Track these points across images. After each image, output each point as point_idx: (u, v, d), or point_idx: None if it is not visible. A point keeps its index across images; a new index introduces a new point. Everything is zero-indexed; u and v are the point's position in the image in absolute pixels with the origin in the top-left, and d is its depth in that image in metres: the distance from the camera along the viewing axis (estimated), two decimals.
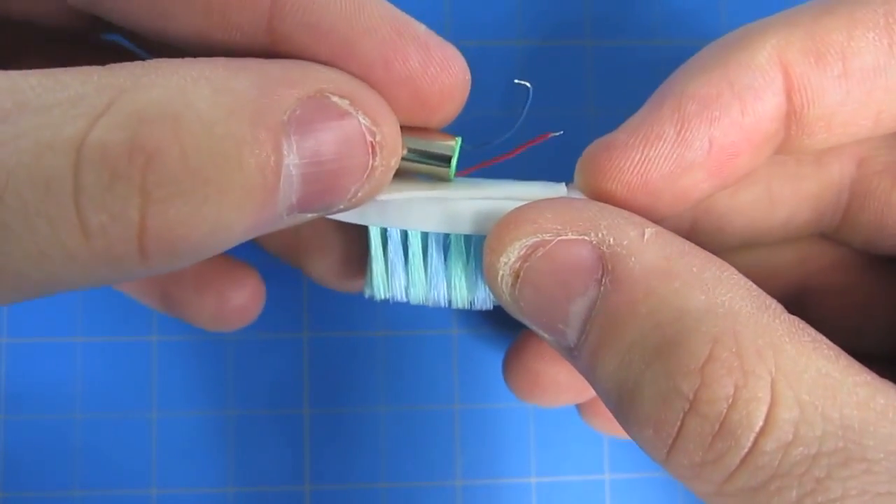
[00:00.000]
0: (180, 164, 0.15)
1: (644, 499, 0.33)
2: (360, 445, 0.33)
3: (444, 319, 0.34)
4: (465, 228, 0.21)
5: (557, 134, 0.23)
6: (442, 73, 0.19)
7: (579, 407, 0.31)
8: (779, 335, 0.16)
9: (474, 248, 0.22)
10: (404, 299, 0.23)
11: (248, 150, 0.16)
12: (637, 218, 0.19)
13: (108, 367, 0.33)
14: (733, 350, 0.16)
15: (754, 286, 0.18)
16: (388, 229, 0.22)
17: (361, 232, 0.23)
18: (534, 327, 0.20)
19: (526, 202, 0.20)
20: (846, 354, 0.17)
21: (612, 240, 0.18)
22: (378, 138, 0.18)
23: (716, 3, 0.35)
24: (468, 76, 0.20)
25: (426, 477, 0.33)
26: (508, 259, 0.19)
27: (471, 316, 0.34)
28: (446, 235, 0.22)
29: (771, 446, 0.16)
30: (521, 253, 0.19)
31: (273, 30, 0.18)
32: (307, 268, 0.29)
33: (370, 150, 0.18)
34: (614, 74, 0.34)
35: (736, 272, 0.18)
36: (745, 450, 0.16)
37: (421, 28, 0.19)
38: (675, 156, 0.19)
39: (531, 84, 0.23)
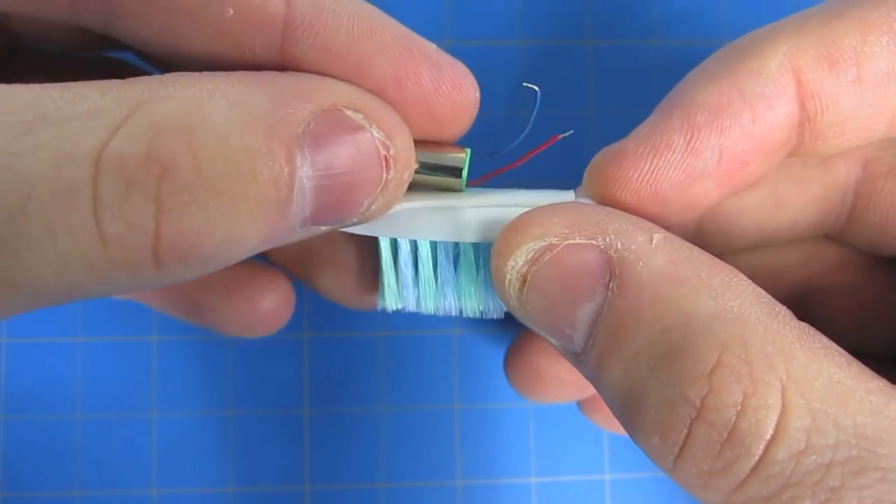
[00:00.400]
0: (194, 175, 0.16)
1: (644, 499, 0.33)
2: (360, 445, 0.33)
3: (445, 320, 0.34)
4: (474, 236, 0.21)
5: (567, 135, 0.23)
6: (453, 92, 0.19)
7: (580, 402, 0.31)
8: (789, 342, 0.16)
9: (483, 256, 0.22)
10: (416, 310, 0.23)
11: (261, 162, 0.16)
12: (645, 223, 0.19)
13: (108, 367, 0.33)
14: (742, 356, 0.16)
15: (763, 292, 0.18)
16: (399, 240, 0.22)
17: (373, 246, 0.23)
18: (540, 332, 0.19)
19: (532, 207, 0.20)
20: (858, 361, 0.17)
21: (619, 244, 0.18)
22: (392, 152, 0.18)
23: (716, 3, 0.35)
24: (478, 93, 0.20)
25: (426, 477, 0.33)
26: (516, 263, 0.19)
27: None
28: (456, 245, 0.22)
29: (782, 455, 0.15)
30: (529, 257, 0.19)
31: (285, 52, 0.18)
32: (316, 282, 0.28)
33: (384, 164, 0.18)
34: (614, 74, 0.34)
35: (745, 278, 0.18)
36: (756, 458, 0.15)
37: (432, 47, 0.19)
38: (684, 165, 0.19)
39: (530, 83, 0.23)
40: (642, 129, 0.20)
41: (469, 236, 0.21)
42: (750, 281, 0.18)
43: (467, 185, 0.22)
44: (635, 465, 0.33)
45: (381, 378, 0.33)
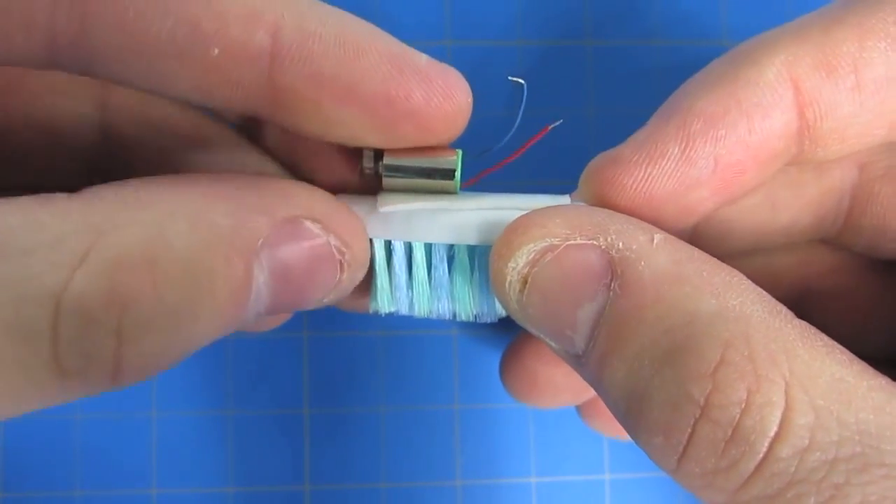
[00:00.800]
0: (155, 306, 0.16)
1: (644, 499, 0.33)
2: (360, 445, 0.33)
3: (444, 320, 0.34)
4: (470, 239, 0.21)
5: (557, 123, 0.23)
6: (445, 103, 0.19)
7: (579, 408, 0.31)
8: (791, 340, 0.16)
9: (479, 259, 0.22)
10: (409, 313, 0.23)
11: (221, 280, 0.17)
12: (645, 224, 0.19)
13: None
14: (745, 354, 0.16)
15: (764, 292, 0.18)
16: (392, 242, 0.22)
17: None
18: (540, 335, 0.19)
19: (528, 210, 0.19)
20: (859, 359, 0.17)
21: (621, 244, 0.18)
22: (347, 257, 0.20)
23: (716, 3, 0.35)
24: (470, 99, 0.20)
25: (426, 477, 0.33)
26: (517, 264, 0.19)
27: None
28: (450, 247, 0.22)
29: (787, 452, 0.15)
30: (530, 258, 0.18)
31: (274, 83, 0.18)
32: None
33: (339, 268, 0.20)
34: (614, 74, 0.34)
35: (745, 278, 0.18)
36: (760, 456, 0.15)
37: (422, 60, 0.19)
38: (679, 174, 0.19)
39: (531, 83, 0.23)
40: (638, 136, 0.20)
41: (465, 239, 0.21)
42: (750, 281, 0.18)
43: (462, 187, 0.22)
44: (635, 465, 0.33)
45: (381, 378, 0.33)
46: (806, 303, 0.25)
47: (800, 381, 0.16)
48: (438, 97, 0.19)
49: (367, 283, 0.23)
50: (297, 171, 0.24)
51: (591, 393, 0.29)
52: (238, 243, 0.18)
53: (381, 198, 0.21)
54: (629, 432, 0.18)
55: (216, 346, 0.33)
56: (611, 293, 0.18)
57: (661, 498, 0.33)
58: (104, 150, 0.24)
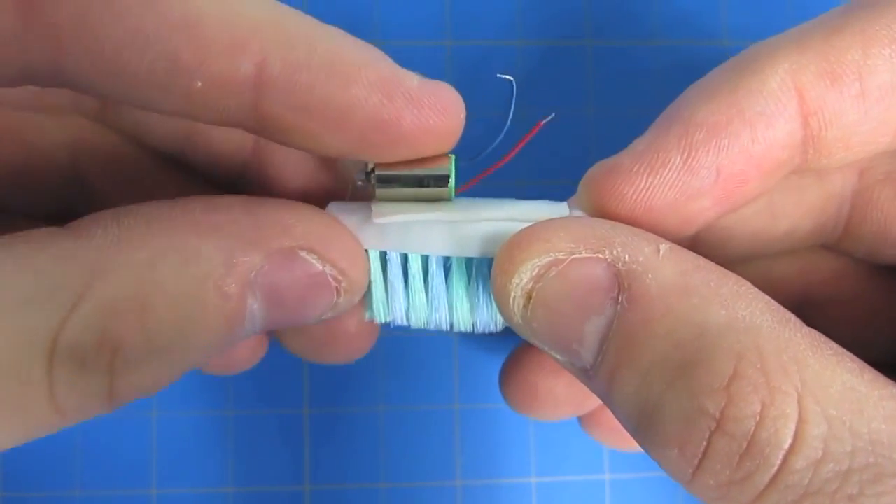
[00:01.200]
0: (146, 346, 0.17)
1: (644, 499, 0.33)
2: (360, 445, 0.33)
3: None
4: (469, 251, 0.21)
5: (549, 119, 0.22)
6: (438, 124, 0.19)
7: (581, 419, 0.30)
8: (802, 349, 0.16)
9: (476, 270, 0.22)
10: (405, 323, 0.22)
11: (213, 313, 0.18)
12: (649, 234, 0.19)
13: None
14: (758, 366, 0.16)
15: (772, 300, 0.17)
16: (388, 252, 0.21)
17: None
18: (545, 348, 0.19)
19: (531, 222, 0.19)
20: (870, 367, 0.17)
21: (627, 257, 0.18)
22: (344, 284, 0.20)
23: (716, 3, 0.35)
24: (463, 114, 0.19)
25: (426, 477, 0.33)
26: (521, 280, 0.18)
27: None
28: (448, 258, 0.22)
29: (801, 464, 0.15)
30: (534, 273, 0.18)
31: (259, 112, 0.18)
32: None
33: (335, 293, 0.20)
34: (614, 74, 0.34)
35: (752, 286, 0.18)
36: (775, 468, 0.15)
37: (413, 82, 0.18)
38: (680, 183, 0.19)
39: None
40: (638, 145, 0.20)
41: (464, 251, 0.21)
42: (757, 289, 0.18)
43: (457, 192, 0.21)
44: (635, 465, 0.33)
45: (381, 378, 0.33)
46: (808, 309, 0.25)
47: (812, 391, 0.16)
48: (430, 119, 0.18)
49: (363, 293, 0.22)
50: (288, 182, 0.23)
51: (592, 405, 0.29)
52: (231, 277, 0.18)
53: (376, 207, 0.21)
54: (641, 444, 0.17)
55: None
56: (618, 307, 0.17)
57: (661, 498, 0.33)
58: (76, 191, 0.24)
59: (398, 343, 0.34)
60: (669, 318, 0.17)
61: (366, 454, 0.33)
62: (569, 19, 0.35)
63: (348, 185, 0.23)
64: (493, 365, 0.33)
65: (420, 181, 0.20)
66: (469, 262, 0.22)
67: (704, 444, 0.16)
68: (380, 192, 0.21)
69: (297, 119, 0.18)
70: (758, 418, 0.15)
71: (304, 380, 0.33)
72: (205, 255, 0.18)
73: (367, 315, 0.23)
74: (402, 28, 0.34)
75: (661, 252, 0.18)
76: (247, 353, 0.28)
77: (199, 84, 0.17)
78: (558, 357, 0.19)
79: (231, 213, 0.19)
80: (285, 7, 0.18)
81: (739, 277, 0.18)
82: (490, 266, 0.20)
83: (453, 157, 0.20)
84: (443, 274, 0.22)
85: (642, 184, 0.19)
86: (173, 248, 0.17)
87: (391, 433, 0.33)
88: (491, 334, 0.23)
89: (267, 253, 0.18)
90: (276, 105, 0.17)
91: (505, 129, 0.22)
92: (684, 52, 0.35)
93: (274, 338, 0.28)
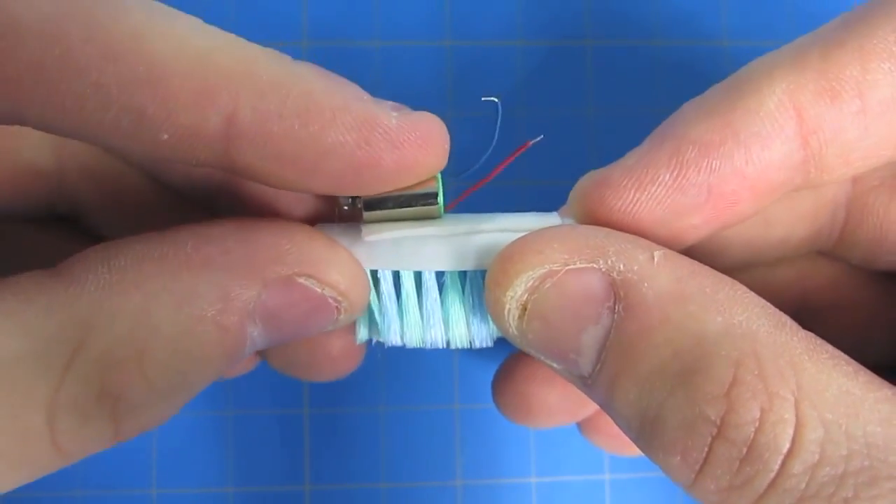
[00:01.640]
0: (147, 392, 0.17)
1: (644, 499, 0.33)
2: (360, 445, 0.33)
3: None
4: (463, 265, 0.20)
5: (538, 140, 0.22)
6: (419, 161, 0.18)
7: (580, 424, 0.30)
8: (798, 353, 0.16)
9: (472, 284, 0.21)
10: (400, 343, 0.22)
11: (213, 347, 0.18)
12: (644, 241, 0.18)
13: None
14: (756, 373, 0.16)
15: (767, 303, 0.17)
16: (380, 270, 0.21)
17: None
18: (542, 358, 0.19)
19: (523, 233, 0.19)
20: (865, 370, 0.17)
21: (621, 266, 0.17)
22: (344, 304, 0.20)
23: (716, 3, 0.35)
24: (446, 144, 0.19)
25: (426, 477, 0.33)
26: (515, 293, 0.18)
27: None
28: (441, 273, 0.21)
29: (798, 468, 0.15)
30: (529, 285, 0.18)
31: (231, 160, 0.17)
32: None
33: (335, 312, 0.20)
34: (614, 74, 0.34)
35: (748, 290, 0.18)
36: (773, 473, 0.16)
37: (391, 121, 0.18)
38: (669, 200, 0.19)
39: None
40: (629, 159, 0.20)
41: (459, 264, 0.20)
42: (753, 293, 0.18)
43: (447, 209, 0.21)
44: (635, 465, 0.33)
45: (381, 378, 0.33)
46: (805, 315, 0.24)
47: (808, 395, 0.16)
48: (410, 157, 0.18)
49: None
50: (271, 207, 0.23)
51: (586, 413, 0.29)
52: (228, 311, 0.18)
53: (366, 226, 0.20)
54: (643, 450, 0.18)
55: None
56: (615, 316, 0.17)
57: (661, 498, 0.33)
58: (62, 197, 0.24)
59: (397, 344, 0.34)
60: (667, 327, 0.17)
61: (366, 454, 0.33)
62: (569, 19, 0.35)
63: (334, 207, 0.22)
64: (493, 365, 0.33)
65: (408, 201, 0.20)
66: (463, 276, 0.21)
67: (706, 450, 0.16)
68: (367, 214, 0.20)
69: (269, 166, 0.17)
70: (757, 424, 0.16)
71: (303, 380, 0.33)
72: (201, 292, 0.17)
73: (359, 337, 0.22)
74: (402, 28, 0.34)
75: (656, 259, 0.18)
76: (244, 362, 0.28)
77: (166, 136, 0.16)
78: (555, 366, 0.19)
79: (224, 243, 0.18)
80: (256, 49, 0.17)
81: (734, 281, 0.18)
82: (485, 278, 0.20)
83: (439, 175, 0.20)
84: (437, 290, 0.21)
85: (630, 198, 0.19)
86: (167, 290, 0.17)
87: (391, 433, 0.33)
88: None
89: (264, 283, 0.18)
90: (248, 154, 0.17)
91: (490, 149, 0.22)
92: (684, 52, 0.35)
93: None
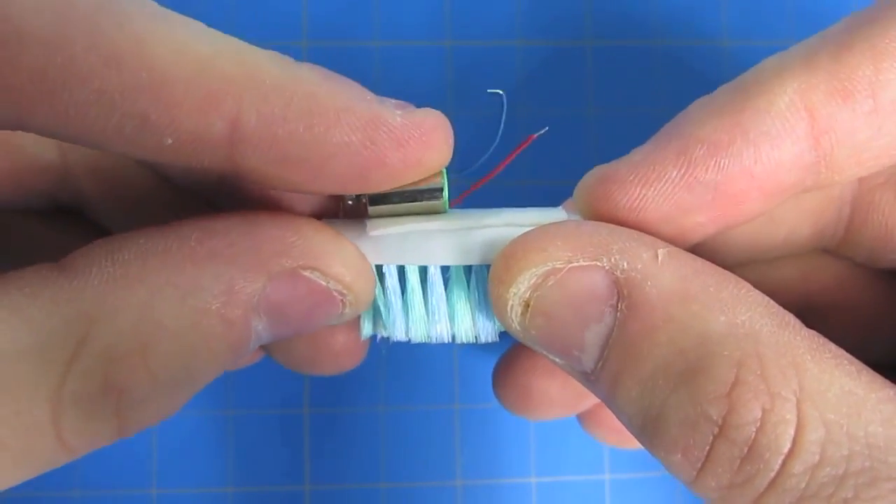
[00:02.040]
0: (151, 386, 0.17)
1: (644, 499, 0.33)
2: (360, 445, 0.33)
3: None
4: (469, 259, 0.20)
5: (542, 132, 0.22)
6: (424, 159, 0.18)
7: (581, 417, 0.30)
8: (801, 353, 0.16)
9: (476, 278, 0.21)
10: (405, 338, 0.22)
11: (217, 341, 0.18)
12: (648, 238, 0.18)
13: None
14: (758, 373, 0.16)
15: (771, 302, 0.17)
16: (385, 266, 0.21)
17: None
18: (544, 353, 0.19)
19: (528, 227, 0.19)
20: (868, 369, 0.17)
21: (625, 264, 0.17)
22: (349, 298, 0.20)
23: (716, 3, 0.35)
24: (450, 142, 0.19)
25: (426, 477, 0.33)
26: (518, 289, 0.18)
27: None
28: (446, 268, 0.21)
29: (798, 468, 0.16)
30: (532, 282, 0.18)
31: (236, 165, 0.17)
32: None
33: (340, 305, 0.20)
34: (614, 74, 0.34)
35: (751, 288, 0.18)
36: (774, 472, 0.16)
37: (395, 120, 0.18)
38: (675, 198, 0.19)
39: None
40: (636, 156, 0.20)
41: (464, 259, 0.21)
42: (757, 291, 0.18)
43: (451, 204, 0.21)
44: (635, 465, 0.33)
45: (381, 378, 0.33)
46: (808, 314, 0.24)
47: (810, 396, 0.16)
48: (415, 155, 0.18)
49: None
50: (275, 201, 0.23)
51: (587, 405, 0.29)
52: (232, 305, 0.18)
53: (371, 221, 0.20)
54: (645, 446, 0.18)
55: None
56: (618, 314, 0.17)
57: (661, 498, 0.33)
58: (66, 189, 0.24)
59: (398, 343, 0.34)
60: (671, 327, 0.17)
61: (366, 454, 0.33)
62: (569, 19, 0.35)
63: (339, 203, 0.22)
64: (492, 365, 0.33)
65: (413, 197, 0.20)
66: (468, 270, 0.21)
67: (707, 448, 0.16)
68: (372, 210, 0.20)
69: (274, 170, 0.17)
70: (758, 424, 0.16)
71: (304, 380, 0.33)
72: (204, 285, 0.17)
73: (364, 333, 0.22)
74: (402, 28, 0.34)
75: (660, 257, 0.18)
76: (249, 355, 0.27)
77: (170, 141, 0.16)
78: (558, 361, 0.19)
79: (228, 236, 0.18)
80: (258, 53, 0.17)
81: (739, 279, 0.18)
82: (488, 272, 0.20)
83: (444, 170, 0.20)
84: (442, 285, 0.21)
85: (636, 194, 0.19)
86: (171, 283, 0.17)
87: (391, 433, 0.33)
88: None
89: (269, 276, 0.18)
90: (252, 159, 0.17)
91: (495, 143, 0.22)
92: (684, 52, 0.35)
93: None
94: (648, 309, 0.17)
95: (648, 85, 0.34)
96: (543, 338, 0.19)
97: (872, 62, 0.18)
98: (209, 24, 0.17)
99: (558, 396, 0.27)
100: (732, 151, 0.18)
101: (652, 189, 0.19)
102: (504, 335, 0.21)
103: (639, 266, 0.17)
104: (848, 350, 0.17)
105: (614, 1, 0.35)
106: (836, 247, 0.24)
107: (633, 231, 0.19)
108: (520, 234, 0.19)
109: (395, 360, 0.34)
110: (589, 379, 0.19)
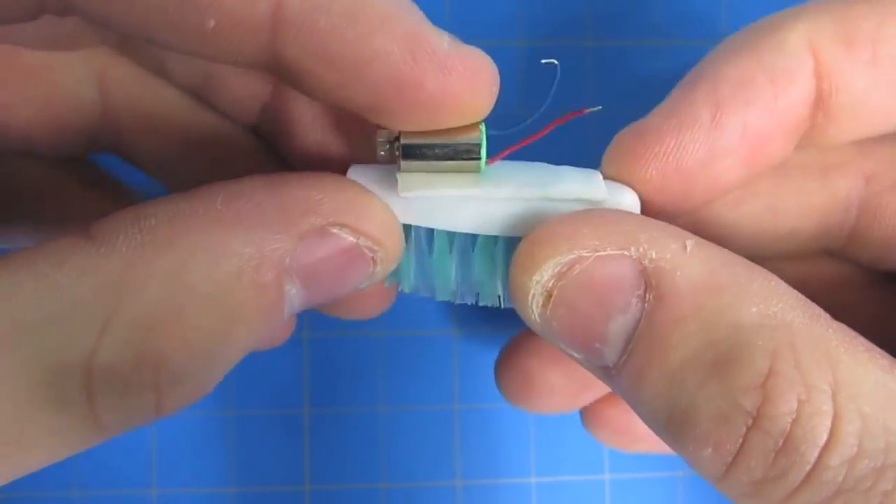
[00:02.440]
0: (189, 356, 0.16)
1: (644, 499, 0.33)
2: (360, 445, 0.33)
3: (444, 319, 0.34)
4: (498, 230, 0.20)
5: (596, 109, 0.22)
6: (464, 94, 0.18)
7: (584, 419, 0.30)
8: (834, 345, 0.16)
9: (503, 245, 0.21)
10: (430, 295, 0.22)
11: (252, 306, 0.17)
12: (675, 229, 0.18)
13: None
14: (793, 364, 0.16)
15: (801, 295, 0.17)
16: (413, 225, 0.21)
17: None
18: (563, 346, 0.19)
19: (564, 201, 0.19)
20: None
21: (653, 253, 0.17)
22: (380, 254, 0.19)
23: (716, 3, 0.35)
24: (496, 84, 0.18)
25: (426, 477, 0.33)
26: (542, 277, 0.18)
27: (471, 316, 0.34)
28: (475, 234, 0.21)
29: (836, 461, 0.15)
30: (556, 271, 0.18)
31: (276, 54, 0.17)
32: None
33: (371, 264, 0.19)
34: (614, 74, 0.34)
35: (780, 280, 0.17)
36: (810, 465, 0.15)
37: (443, 43, 0.17)
38: (709, 141, 0.19)
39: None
40: (666, 105, 0.20)
41: (493, 229, 0.20)
42: (786, 283, 0.17)
43: (488, 162, 0.20)
44: (635, 465, 0.33)
45: (380, 378, 0.33)
46: None
47: (845, 387, 0.16)
48: (455, 87, 0.17)
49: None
50: (305, 133, 0.23)
51: (589, 398, 0.28)
52: (264, 267, 0.17)
53: (402, 179, 0.20)
54: (669, 443, 0.17)
55: None
56: (646, 304, 0.17)
57: (661, 498, 0.33)
58: (105, 128, 0.23)
59: (398, 343, 0.34)
60: (701, 317, 0.16)
61: (366, 454, 0.33)
62: (569, 19, 0.35)
63: (368, 144, 0.21)
64: (492, 365, 0.33)
65: (448, 154, 0.19)
66: (496, 237, 0.21)
67: (740, 441, 0.16)
68: (404, 163, 0.20)
69: (312, 65, 0.17)
70: (794, 415, 0.15)
71: (304, 380, 0.33)
72: (235, 248, 0.17)
73: (389, 280, 0.22)
74: None
75: (689, 248, 0.17)
76: (282, 328, 0.27)
77: (213, 23, 0.16)
78: (576, 355, 0.19)
79: (254, 197, 0.18)
80: None
81: (767, 272, 0.17)
82: (517, 242, 0.19)
83: (483, 127, 0.19)
84: (470, 247, 0.21)
85: (673, 142, 0.19)
86: (201, 247, 0.17)
87: (391, 433, 0.33)
88: (492, 325, 0.22)
89: (298, 235, 0.18)
90: (292, 48, 0.17)
91: (543, 107, 0.21)
92: (684, 52, 0.35)
93: None
94: (678, 299, 0.17)
95: (648, 85, 0.34)
96: (565, 330, 0.18)
97: (878, 16, 0.19)
98: None
99: (560, 385, 0.27)
100: (756, 86, 0.19)
101: (687, 134, 0.19)
102: (505, 323, 0.21)
103: (667, 256, 0.17)
104: None
105: (614, 0, 0.35)
106: (840, 248, 0.24)
107: (660, 222, 0.18)
108: (553, 212, 0.19)
109: (394, 360, 0.34)
110: (609, 374, 0.18)
